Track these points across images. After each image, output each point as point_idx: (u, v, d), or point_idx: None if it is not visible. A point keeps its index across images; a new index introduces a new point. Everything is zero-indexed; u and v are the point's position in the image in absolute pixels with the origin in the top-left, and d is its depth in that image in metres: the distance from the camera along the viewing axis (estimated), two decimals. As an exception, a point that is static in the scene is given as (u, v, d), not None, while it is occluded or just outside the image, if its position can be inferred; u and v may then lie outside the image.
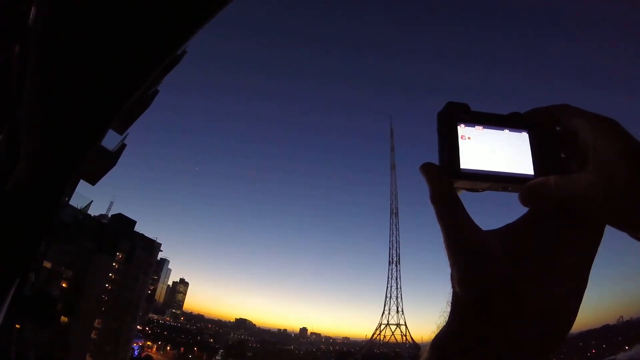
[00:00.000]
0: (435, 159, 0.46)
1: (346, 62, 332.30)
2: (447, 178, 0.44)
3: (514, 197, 0.44)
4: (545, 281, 0.40)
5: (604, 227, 0.42)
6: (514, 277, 0.40)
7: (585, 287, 0.42)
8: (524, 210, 0.45)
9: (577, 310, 0.41)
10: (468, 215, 0.43)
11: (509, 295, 0.40)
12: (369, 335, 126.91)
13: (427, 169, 0.45)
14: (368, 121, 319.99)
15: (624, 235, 0.39)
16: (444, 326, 0.43)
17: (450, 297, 0.43)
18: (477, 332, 0.40)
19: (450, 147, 0.45)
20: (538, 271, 0.41)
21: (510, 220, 0.45)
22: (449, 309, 0.43)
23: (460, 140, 0.46)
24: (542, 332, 0.40)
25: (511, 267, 0.41)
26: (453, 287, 0.42)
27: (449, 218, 0.43)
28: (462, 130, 0.46)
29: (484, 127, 0.47)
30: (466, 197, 0.46)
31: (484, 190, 0.46)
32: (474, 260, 0.41)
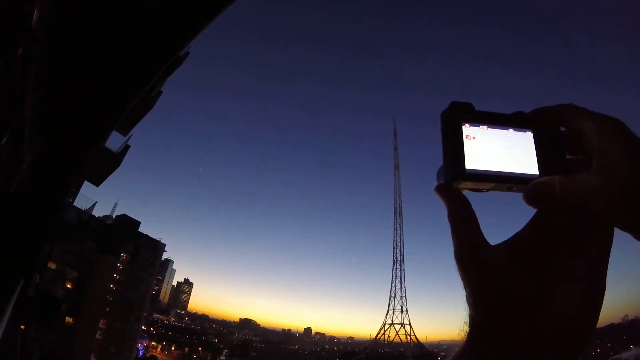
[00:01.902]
0: (438, 159, 0.46)
1: (348, 61, 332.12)
2: (463, 198, 0.45)
3: (518, 197, 0.44)
4: (560, 289, 0.40)
5: (613, 227, 0.41)
6: (527, 294, 0.40)
7: (603, 291, 0.41)
8: (528, 209, 0.44)
9: (598, 315, 0.40)
10: (482, 235, 0.43)
11: (522, 314, 0.40)
12: (374, 335, 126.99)
13: (442, 190, 0.46)
14: (371, 121, 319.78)
15: (628, 234, 0.38)
16: (462, 346, 0.43)
17: (468, 317, 0.43)
18: (492, 352, 0.40)
19: (454, 148, 0.45)
20: (551, 280, 0.40)
21: (514, 220, 0.45)
22: (467, 328, 0.43)
23: (465, 140, 0.45)
24: (560, 345, 0.39)
25: (523, 282, 0.41)
26: (468, 308, 0.42)
27: (460, 236, 0.43)
28: (467, 130, 0.46)
29: (488, 127, 0.47)
30: (471, 198, 0.46)
31: (488, 190, 0.46)
32: (484, 284, 0.41)
